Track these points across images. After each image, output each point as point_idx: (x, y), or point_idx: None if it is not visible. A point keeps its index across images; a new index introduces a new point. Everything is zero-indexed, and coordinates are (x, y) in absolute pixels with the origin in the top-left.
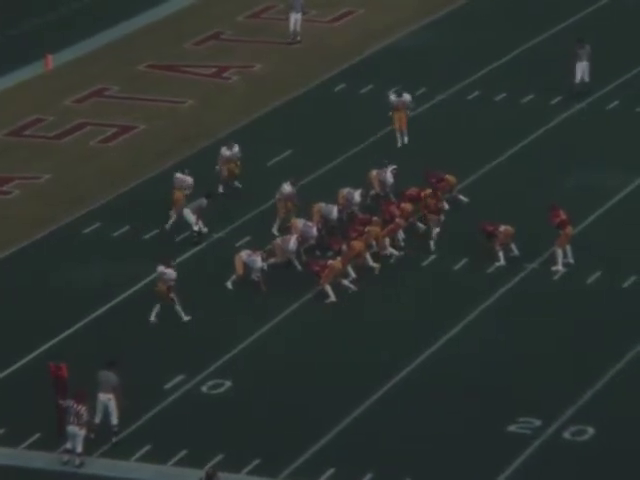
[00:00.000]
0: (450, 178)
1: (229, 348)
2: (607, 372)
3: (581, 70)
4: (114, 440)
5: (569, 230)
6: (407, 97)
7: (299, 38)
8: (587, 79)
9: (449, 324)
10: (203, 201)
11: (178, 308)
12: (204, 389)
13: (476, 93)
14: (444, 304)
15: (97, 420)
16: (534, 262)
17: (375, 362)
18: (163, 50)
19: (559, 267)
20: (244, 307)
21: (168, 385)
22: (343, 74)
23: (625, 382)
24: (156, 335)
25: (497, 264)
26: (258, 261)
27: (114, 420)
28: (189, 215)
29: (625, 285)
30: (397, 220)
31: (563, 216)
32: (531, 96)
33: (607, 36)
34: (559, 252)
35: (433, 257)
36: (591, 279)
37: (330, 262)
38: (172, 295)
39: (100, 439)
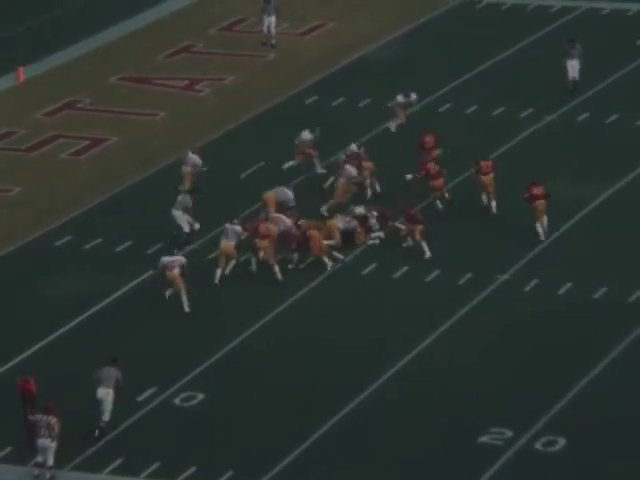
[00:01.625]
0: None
1: (202, 360)
2: (578, 383)
3: (572, 68)
4: (97, 434)
5: (537, 204)
6: (414, 96)
7: (274, 42)
8: (577, 78)
9: (420, 335)
10: (187, 198)
11: (184, 298)
12: (177, 401)
13: (447, 105)
14: (415, 315)
15: (106, 418)
16: (506, 273)
17: (346, 375)
18: (135, 62)
19: (542, 238)
20: (215, 321)
21: (140, 397)
22: (315, 86)
23: (596, 393)
24: (128, 347)
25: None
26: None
27: (106, 417)
28: (181, 217)
29: (596, 296)
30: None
31: (535, 191)
32: (502, 108)
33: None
34: (537, 225)
35: (406, 268)
36: (562, 290)
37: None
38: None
39: (71, 452)
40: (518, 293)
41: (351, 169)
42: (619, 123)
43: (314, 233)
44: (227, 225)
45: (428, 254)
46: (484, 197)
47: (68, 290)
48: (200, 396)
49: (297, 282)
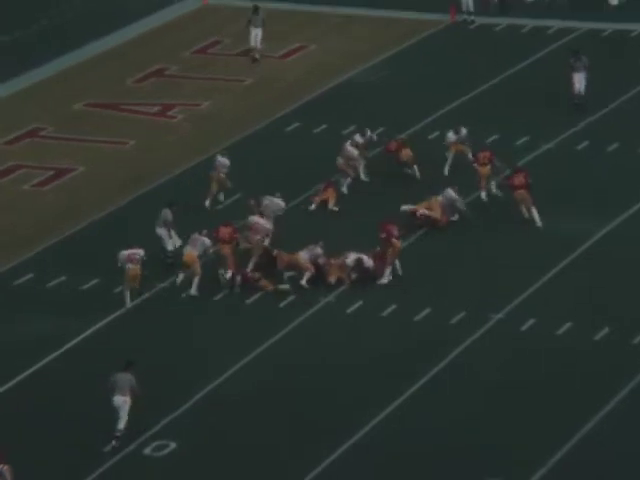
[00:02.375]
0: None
1: (174, 407)
2: (578, 432)
3: (578, 80)
4: (114, 444)
5: (517, 194)
6: (464, 132)
7: (257, 56)
8: (583, 92)
9: (413, 379)
10: (167, 212)
11: (196, 280)
12: (147, 451)
13: (437, 133)
14: (405, 357)
15: (121, 426)
16: (500, 312)
17: (332, 419)
18: (103, 87)
19: (538, 223)
20: (188, 365)
21: (107, 447)
22: (296, 112)
23: (597, 443)
24: (93, 393)
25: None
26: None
27: (121, 424)
28: (165, 235)
29: (597, 337)
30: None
31: (515, 181)
32: (495, 136)
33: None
34: (523, 210)
35: (393, 307)
36: (561, 330)
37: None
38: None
39: None
40: (514, 333)
41: (352, 149)
42: (621, 152)
43: (281, 254)
44: (195, 234)
45: (386, 280)
46: (483, 194)
47: (29, 332)
48: (172, 445)
49: (278, 321)
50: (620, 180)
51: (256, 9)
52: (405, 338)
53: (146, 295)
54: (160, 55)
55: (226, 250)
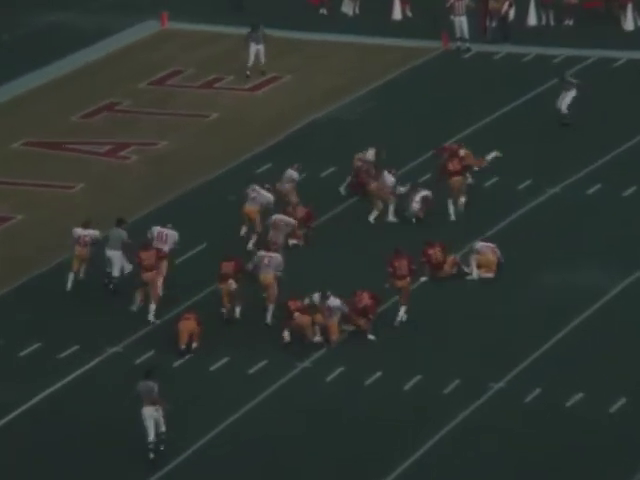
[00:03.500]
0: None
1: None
2: None
3: (561, 97)
4: (161, 448)
5: (453, 181)
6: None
7: (264, 69)
8: (563, 110)
9: (402, 454)
10: (120, 232)
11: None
12: None
13: (428, 175)
14: (393, 434)
15: (151, 438)
16: (500, 381)
17: None
18: (45, 123)
19: (452, 218)
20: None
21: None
22: (268, 152)
23: None
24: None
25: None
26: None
27: (163, 427)
28: (117, 259)
29: (612, 410)
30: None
31: (450, 167)
32: (494, 179)
33: (586, 114)
34: (449, 204)
35: (379, 374)
36: (572, 401)
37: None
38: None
39: None
40: (516, 405)
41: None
42: (638, 196)
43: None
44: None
45: (372, 337)
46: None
47: None
48: None
49: (258, 385)
50: (638, 229)
51: (255, 26)
52: (393, 409)
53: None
54: (111, 87)
55: (149, 276)
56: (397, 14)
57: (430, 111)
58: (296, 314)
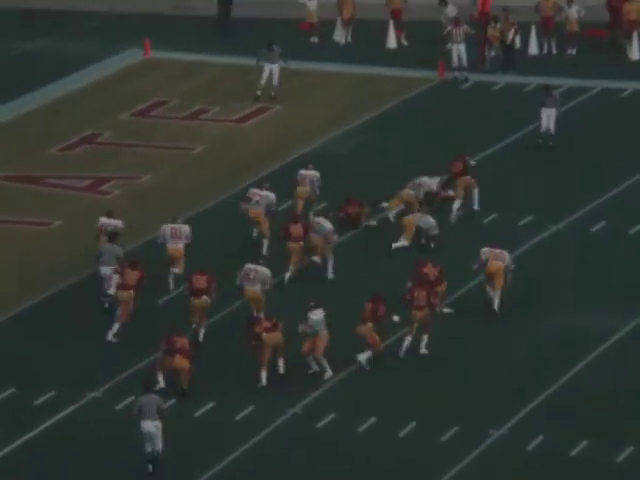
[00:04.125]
0: None
1: None
2: None
3: (546, 116)
4: (149, 469)
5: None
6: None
7: (273, 93)
8: (553, 130)
9: None
10: (116, 248)
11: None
12: None
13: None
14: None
15: (149, 449)
16: (501, 429)
17: None
18: (21, 157)
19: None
20: None
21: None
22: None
23: None
24: None
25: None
26: None
27: (159, 445)
28: (110, 277)
29: (619, 459)
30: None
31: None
32: (494, 215)
33: (590, 148)
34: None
35: (373, 420)
36: (576, 450)
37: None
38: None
39: None
40: (518, 454)
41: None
42: None
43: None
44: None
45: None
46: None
47: None
48: None
49: (233, 436)
50: None
51: (270, 44)
52: (386, 459)
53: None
54: (92, 118)
55: (125, 295)
56: (392, 42)
57: (426, 144)
58: (263, 334)
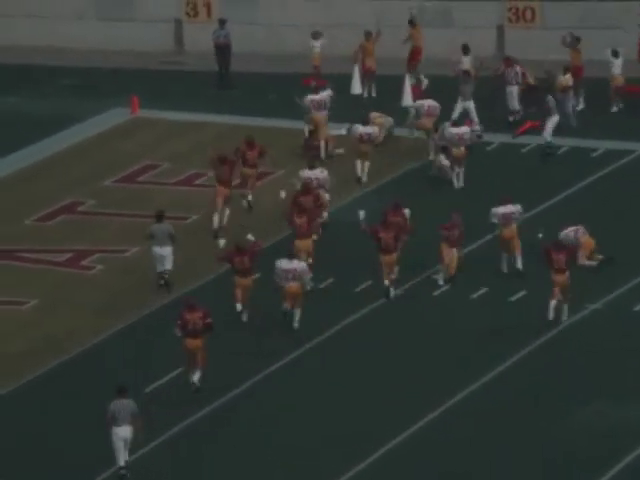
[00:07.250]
0: None
1: None
2: None
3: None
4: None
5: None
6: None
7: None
8: (550, 138)
9: None
10: (167, 226)
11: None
12: None
13: (444, 289)
14: None
15: (122, 462)
16: None
17: None
18: None
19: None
20: None
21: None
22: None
23: None
24: None
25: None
26: None
27: (126, 457)
28: (169, 254)
29: None
30: None
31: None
32: (522, 292)
33: (629, 219)
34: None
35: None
36: None
37: None
38: None
39: None
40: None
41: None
42: None
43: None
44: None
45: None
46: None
47: None
48: None
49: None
50: None
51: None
52: None
53: None
54: (72, 184)
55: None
56: (408, 100)
57: (439, 212)
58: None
